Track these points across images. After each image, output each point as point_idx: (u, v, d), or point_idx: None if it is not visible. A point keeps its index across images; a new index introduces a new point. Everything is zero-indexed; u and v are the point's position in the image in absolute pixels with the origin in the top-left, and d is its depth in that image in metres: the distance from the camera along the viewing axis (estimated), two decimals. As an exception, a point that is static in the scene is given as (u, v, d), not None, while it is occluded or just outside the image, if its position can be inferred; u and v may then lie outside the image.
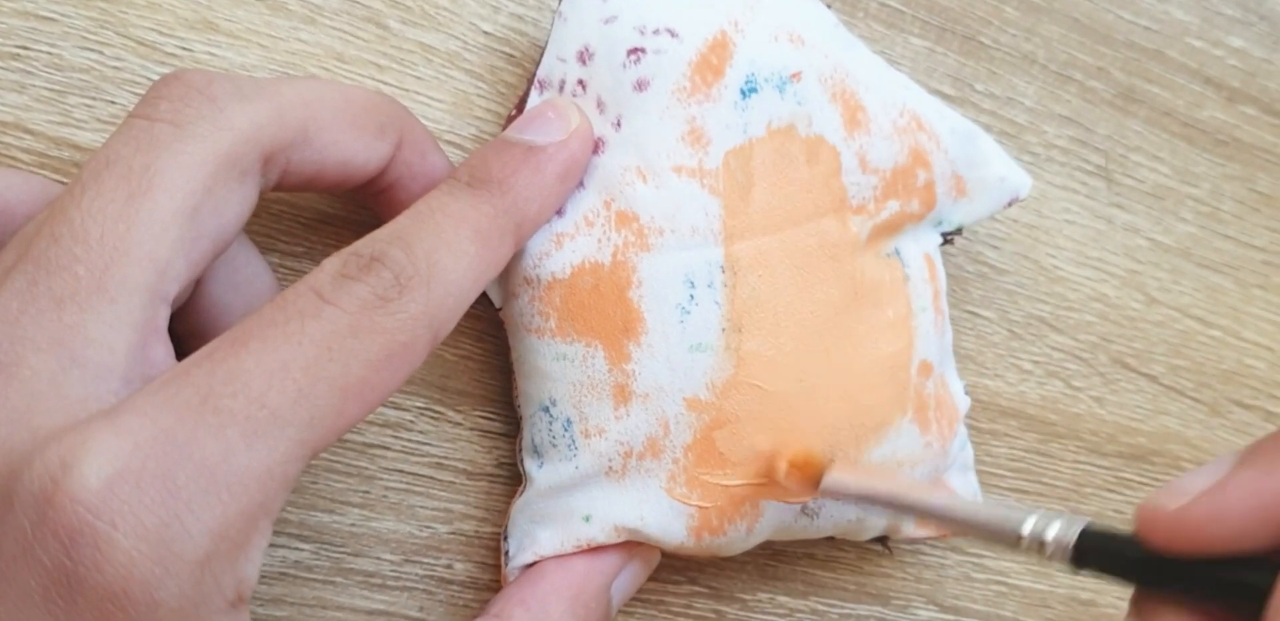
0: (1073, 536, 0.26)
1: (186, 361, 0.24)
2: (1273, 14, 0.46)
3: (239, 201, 0.27)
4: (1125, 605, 0.43)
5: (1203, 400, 0.45)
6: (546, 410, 0.33)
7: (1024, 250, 0.42)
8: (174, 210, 0.25)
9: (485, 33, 0.35)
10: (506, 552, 0.33)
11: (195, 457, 0.23)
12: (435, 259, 0.27)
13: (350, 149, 0.29)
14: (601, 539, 0.32)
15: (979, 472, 0.41)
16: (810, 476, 0.32)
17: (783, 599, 0.39)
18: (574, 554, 0.33)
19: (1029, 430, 0.42)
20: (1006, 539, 0.27)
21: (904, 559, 0.40)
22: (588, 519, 0.32)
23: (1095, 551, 0.26)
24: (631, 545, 0.33)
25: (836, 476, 0.31)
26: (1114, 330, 0.43)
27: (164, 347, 0.25)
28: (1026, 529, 0.26)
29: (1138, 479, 0.44)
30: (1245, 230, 0.46)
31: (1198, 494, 0.23)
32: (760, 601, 0.38)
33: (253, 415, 0.23)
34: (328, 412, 0.24)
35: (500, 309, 0.33)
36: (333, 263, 0.26)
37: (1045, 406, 0.42)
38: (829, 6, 0.35)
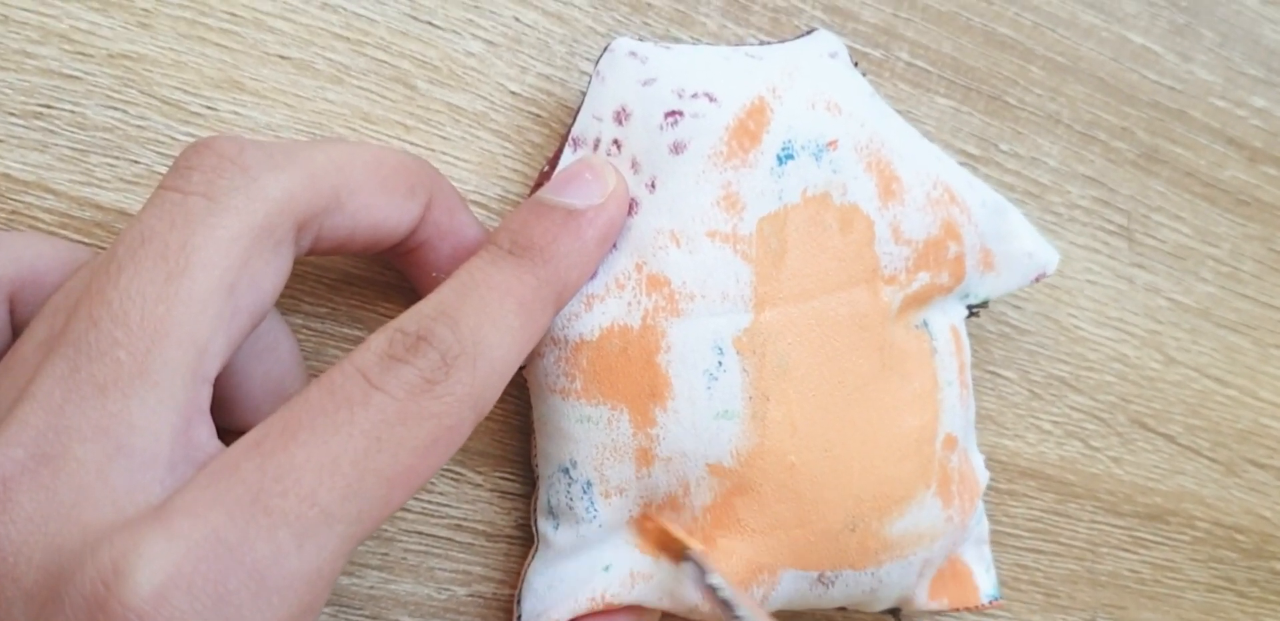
0: None
1: (234, 451, 0.24)
2: (1294, 73, 0.46)
3: (274, 272, 0.27)
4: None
5: (1219, 459, 0.45)
6: (566, 471, 0.32)
7: (1045, 310, 0.42)
8: (212, 288, 0.25)
9: (513, 93, 0.35)
10: (519, 618, 0.33)
11: (246, 561, 0.23)
12: (481, 336, 0.26)
13: (382, 212, 0.29)
14: (615, 589, 0.32)
15: (997, 532, 0.41)
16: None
17: (801, 662, 0.38)
18: None
19: (1047, 490, 0.42)
20: None
21: (921, 618, 0.40)
22: (607, 568, 0.32)
23: None
24: (636, 611, 0.33)
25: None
26: (1133, 390, 0.43)
27: (207, 428, 0.25)
28: None
29: (1153, 538, 0.44)
30: (1264, 290, 0.46)
31: None
32: (778, 665, 0.38)
33: (303, 514, 0.23)
34: (375, 504, 0.24)
35: (524, 368, 0.33)
36: (379, 341, 0.26)
37: (1064, 466, 0.42)
38: (864, 74, 0.35)
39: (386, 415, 0.25)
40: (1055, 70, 0.42)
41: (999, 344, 0.41)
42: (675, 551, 0.32)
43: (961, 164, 0.40)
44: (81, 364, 0.24)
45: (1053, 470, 0.42)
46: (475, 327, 0.26)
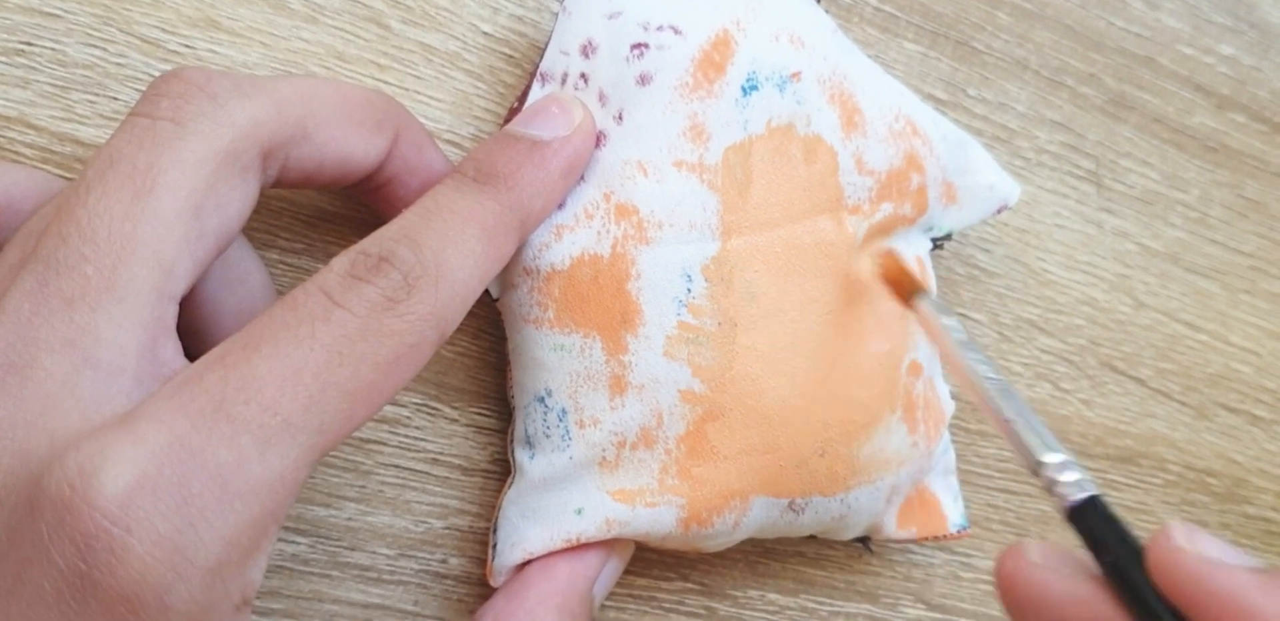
0: (1078, 499, 0.27)
1: (199, 364, 0.25)
2: (1262, 22, 0.47)
3: (240, 198, 0.27)
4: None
5: (1189, 403, 0.45)
6: (542, 400, 0.33)
7: (1014, 253, 0.42)
8: (178, 208, 0.25)
9: (485, 33, 0.36)
10: (494, 546, 0.34)
11: (210, 466, 0.23)
12: (443, 258, 0.27)
13: (348, 144, 0.29)
14: (591, 532, 0.33)
15: (968, 472, 0.42)
16: (901, 288, 0.33)
17: (773, 596, 0.39)
18: (556, 557, 0.33)
19: (1018, 431, 0.43)
20: (1028, 459, 0.28)
21: (893, 557, 0.41)
22: (579, 512, 0.33)
23: (1092, 523, 0.26)
24: (610, 541, 0.34)
25: (927, 302, 0.33)
26: (1102, 333, 0.44)
27: (173, 345, 0.26)
28: (1050, 459, 0.27)
29: (1124, 481, 0.44)
30: (1233, 236, 0.46)
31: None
32: (751, 598, 0.39)
33: (265, 423, 0.24)
34: (337, 417, 0.25)
35: (498, 299, 0.34)
36: (341, 262, 0.26)
37: (1034, 408, 0.43)
38: (826, 11, 0.35)
39: (348, 331, 0.25)
40: (1023, 16, 0.43)
41: (968, 286, 0.42)
42: (903, 292, 0.33)
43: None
44: (50, 278, 0.25)
45: (1023, 411, 0.43)
46: (438, 250, 0.27)
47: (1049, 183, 0.43)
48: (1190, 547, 0.24)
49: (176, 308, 0.26)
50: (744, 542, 0.39)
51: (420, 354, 0.26)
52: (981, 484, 0.42)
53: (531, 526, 0.33)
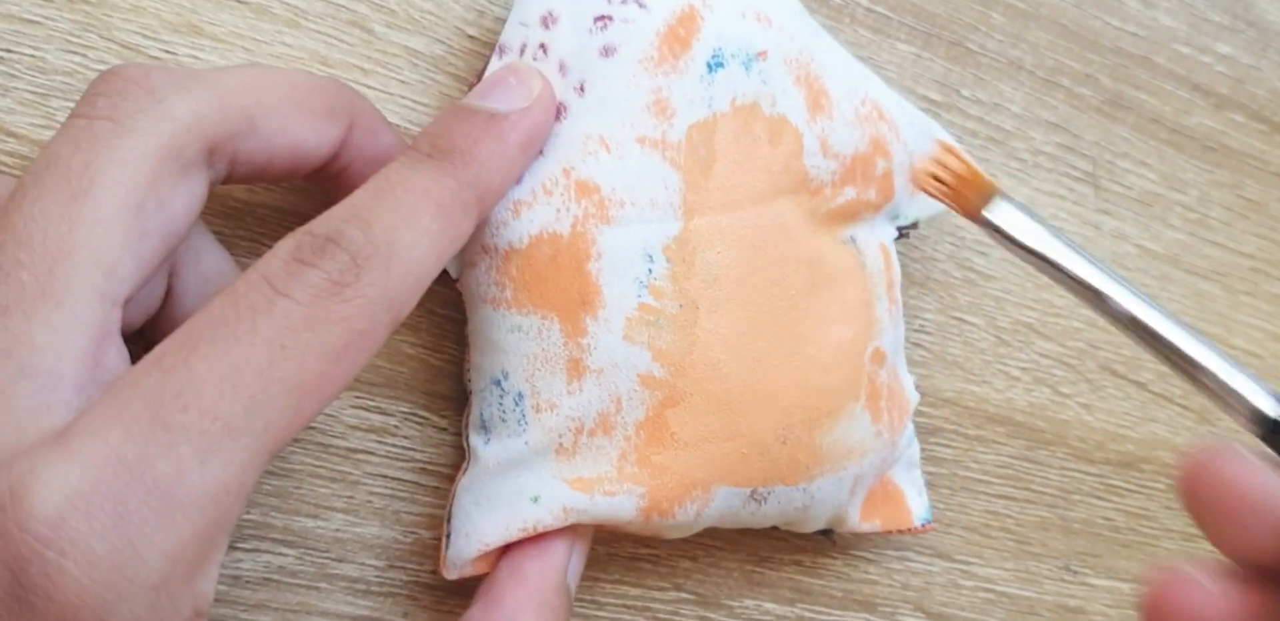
0: None
1: (136, 368, 0.24)
2: (1260, 21, 0.46)
3: (185, 194, 0.26)
4: (1114, 613, 0.43)
5: (1191, 407, 0.45)
6: (498, 383, 0.32)
7: (1011, 256, 0.42)
8: (117, 207, 0.24)
9: (470, 36, 0.35)
10: (448, 536, 0.32)
11: (147, 479, 0.22)
12: (395, 237, 0.26)
13: (299, 134, 0.28)
14: (548, 521, 0.32)
15: (967, 478, 0.41)
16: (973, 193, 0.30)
17: (769, 605, 0.39)
18: (523, 557, 0.32)
19: (1017, 436, 0.42)
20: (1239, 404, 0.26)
21: (890, 565, 0.40)
22: (536, 500, 0.32)
23: None
24: (570, 528, 0.32)
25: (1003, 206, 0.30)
26: (1102, 337, 0.43)
27: (117, 351, 0.25)
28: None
29: (1126, 486, 0.44)
30: (1233, 237, 0.46)
31: None
32: (747, 608, 0.38)
33: (205, 429, 0.23)
34: (284, 414, 0.24)
35: (457, 280, 0.33)
36: (286, 245, 0.25)
37: (1033, 413, 0.42)
38: (824, 22, 0.35)
39: (291, 321, 0.24)
40: (1016, 16, 0.42)
41: (964, 290, 0.41)
42: (967, 202, 0.30)
43: (924, 110, 0.40)
44: None
45: (1022, 416, 0.42)
46: (389, 229, 0.26)
47: (1045, 184, 0.43)
48: None
49: (120, 311, 0.25)
50: (740, 550, 0.38)
51: (372, 339, 0.25)
52: (981, 490, 0.41)
53: (486, 515, 0.32)
